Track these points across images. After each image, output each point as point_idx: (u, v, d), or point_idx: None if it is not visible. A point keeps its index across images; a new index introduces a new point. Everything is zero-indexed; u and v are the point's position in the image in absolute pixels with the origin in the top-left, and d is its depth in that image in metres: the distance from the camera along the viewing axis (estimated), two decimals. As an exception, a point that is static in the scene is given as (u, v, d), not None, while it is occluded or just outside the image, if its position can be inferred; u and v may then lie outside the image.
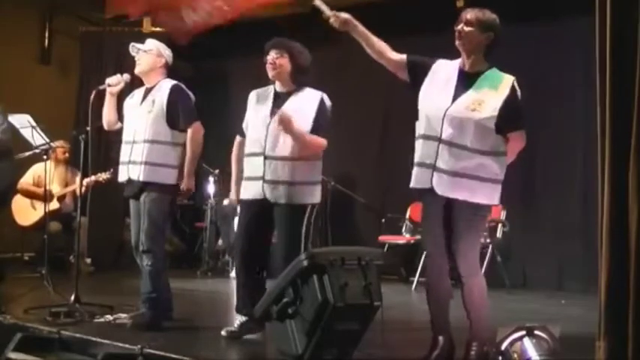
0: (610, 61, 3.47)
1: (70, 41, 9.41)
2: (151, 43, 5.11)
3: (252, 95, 4.78)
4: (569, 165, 7.45)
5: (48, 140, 6.24)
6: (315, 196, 4.62)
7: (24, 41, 9.33)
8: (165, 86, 4.98)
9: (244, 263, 4.65)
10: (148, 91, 5.03)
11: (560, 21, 7.36)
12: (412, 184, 3.95)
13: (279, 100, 4.63)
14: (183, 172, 4.92)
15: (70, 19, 9.39)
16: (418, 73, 3.97)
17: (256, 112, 4.67)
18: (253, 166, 4.59)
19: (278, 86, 4.69)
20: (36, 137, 6.15)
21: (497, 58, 4.02)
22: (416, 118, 3.99)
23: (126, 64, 6.34)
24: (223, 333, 4.58)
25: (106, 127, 5.26)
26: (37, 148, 6.29)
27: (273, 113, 4.56)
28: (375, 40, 4.01)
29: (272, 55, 4.62)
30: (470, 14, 3.90)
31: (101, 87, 5.18)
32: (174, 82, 5.03)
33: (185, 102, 4.95)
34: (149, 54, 5.04)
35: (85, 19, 9.38)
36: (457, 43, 3.92)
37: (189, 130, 4.90)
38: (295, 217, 4.54)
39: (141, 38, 5.44)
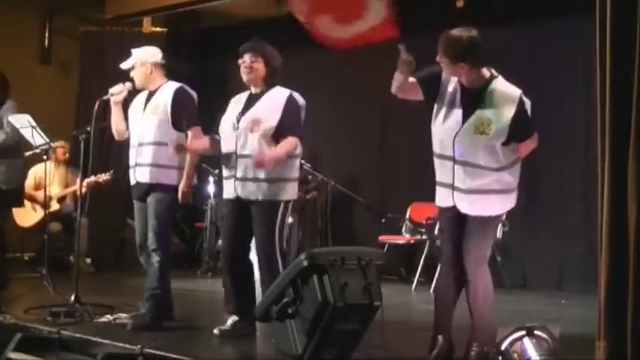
0: (610, 61, 3.47)
1: (70, 41, 9.39)
2: (133, 57, 5.05)
3: (232, 100, 4.81)
4: (570, 165, 7.44)
5: (48, 140, 6.22)
6: (288, 192, 4.60)
7: (24, 41, 9.32)
8: (168, 89, 4.98)
9: (229, 263, 4.70)
10: (151, 95, 5.03)
11: (560, 21, 7.35)
12: (437, 203, 4.02)
13: (251, 101, 4.67)
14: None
15: (70, 19, 9.37)
16: (430, 88, 3.97)
17: (228, 113, 4.71)
18: (227, 166, 4.64)
19: (252, 89, 4.72)
20: (36, 137, 6.13)
21: (496, 59, 4.02)
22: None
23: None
24: (215, 331, 4.61)
25: (116, 137, 5.25)
26: (37, 148, 6.27)
27: (242, 114, 4.61)
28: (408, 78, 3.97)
29: (247, 59, 4.64)
30: (439, 49, 3.85)
31: (104, 97, 5.16)
32: (177, 84, 5.02)
33: (188, 105, 4.97)
34: (136, 69, 5.02)
35: (85, 19, 9.36)
36: None
37: (190, 134, 4.89)
38: (267, 214, 4.54)
39: (141, 38, 5.43)
